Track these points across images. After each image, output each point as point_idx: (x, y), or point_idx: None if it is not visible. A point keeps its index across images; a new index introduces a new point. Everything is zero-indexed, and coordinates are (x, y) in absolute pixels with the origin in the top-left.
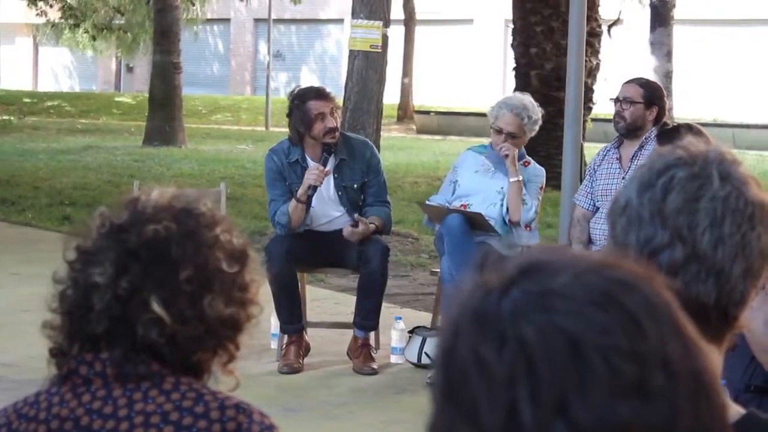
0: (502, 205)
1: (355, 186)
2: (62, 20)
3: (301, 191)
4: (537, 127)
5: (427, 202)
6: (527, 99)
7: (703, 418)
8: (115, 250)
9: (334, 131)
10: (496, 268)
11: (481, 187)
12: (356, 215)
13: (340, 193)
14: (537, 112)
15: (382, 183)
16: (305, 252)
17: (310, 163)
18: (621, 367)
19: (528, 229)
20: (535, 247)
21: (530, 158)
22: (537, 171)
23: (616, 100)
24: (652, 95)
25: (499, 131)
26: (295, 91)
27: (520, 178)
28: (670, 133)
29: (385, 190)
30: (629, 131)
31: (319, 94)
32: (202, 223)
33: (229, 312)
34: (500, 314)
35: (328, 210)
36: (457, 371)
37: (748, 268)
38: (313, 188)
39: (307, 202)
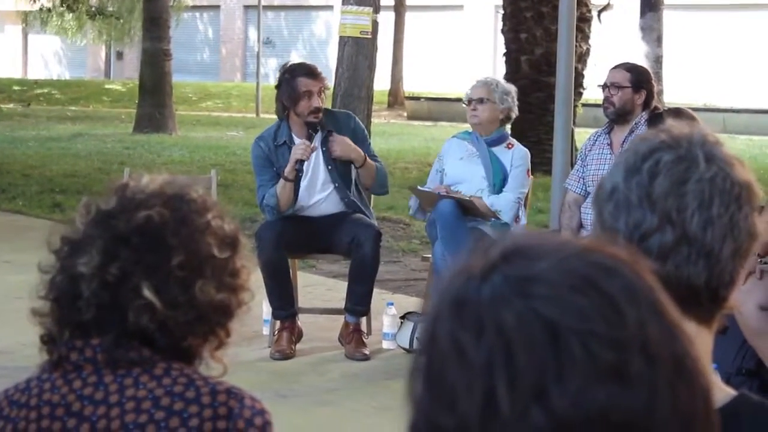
0: (489, 190)
1: (344, 159)
2: (58, 6)
3: (288, 168)
4: (510, 100)
5: (418, 188)
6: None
7: (684, 402)
8: (103, 238)
9: (319, 111)
10: (480, 253)
11: (468, 173)
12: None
13: (329, 167)
14: (508, 88)
15: (369, 147)
16: (296, 237)
17: (297, 141)
18: (599, 353)
19: (517, 221)
20: (520, 231)
21: (514, 140)
22: (521, 154)
23: (604, 86)
24: (639, 79)
25: (470, 101)
26: (287, 66)
27: (469, 197)
28: (661, 118)
29: (374, 153)
30: (619, 116)
31: (309, 71)
32: (194, 209)
33: (220, 298)
34: (480, 300)
35: (322, 186)
36: (437, 357)
37: (737, 249)
38: (300, 163)
39: (295, 182)
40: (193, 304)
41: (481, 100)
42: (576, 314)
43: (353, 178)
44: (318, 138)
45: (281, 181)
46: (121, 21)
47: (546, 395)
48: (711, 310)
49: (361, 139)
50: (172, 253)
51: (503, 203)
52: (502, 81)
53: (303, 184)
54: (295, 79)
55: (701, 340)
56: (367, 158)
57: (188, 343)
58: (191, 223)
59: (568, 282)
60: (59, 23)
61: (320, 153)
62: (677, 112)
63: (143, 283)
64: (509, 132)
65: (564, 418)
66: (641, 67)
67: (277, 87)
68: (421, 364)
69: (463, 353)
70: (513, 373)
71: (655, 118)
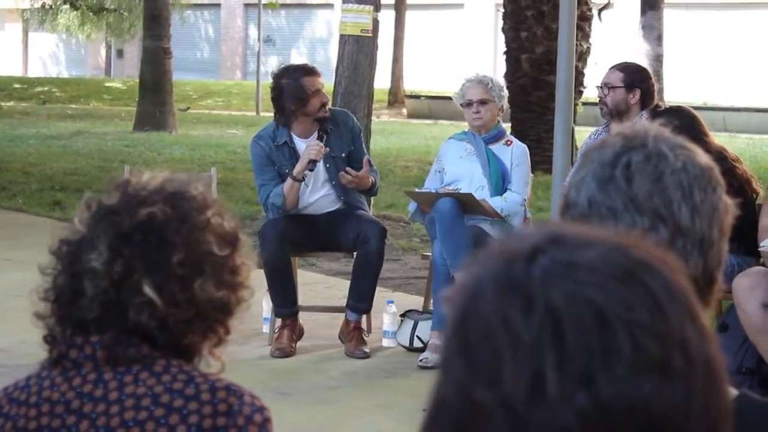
0: (489, 187)
1: (343, 155)
2: (59, 3)
3: (298, 168)
4: (504, 96)
5: (416, 190)
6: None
7: (713, 404)
8: (109, 234)
9: (325, 106)
10: (518, 239)
11: (468, 171)
12: (341, 173)
13: (328, 165)
14: (497, 80)
15: (364, 148)
16: (299, 235)
17: (298, 143)
18: (645, 344)
19: (527, 221)
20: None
21: (512, 137)
22: (520, 151)
23: (600, 87)
24: (632, 78)
25: (469, 104)
26: (281, 70)
27: (480, 200)
28: (660, 116)
29: (368, 155)
30: (613, 116)
31: (310, 71)
32: (194, 206)
33: (219, 295)
34: (529, 280)
35: (317, 185)
36: (479, 334)
37: (721, 228)
38: (314, 163)
39: (303, 180)
40: (193, 301)
41: (483, 102)
42: (622, 303)
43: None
44: (323, 137)
45: (289, 180)
46: (125, 14)
47: (593, 381)
48: (706, 294)
49: (357, 137)
50: (173, 250)
51: (512, 207)
52: (490, 76)
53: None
54: (298, 80)
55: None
56: (370, 178)
57: (188, 340)
58: (191, 220)
59: (614, 272)
60: (60, 20)
61: None
62: (677, 111)
63: (144, 281)
64: (506, 129)
65: (608, 405)
66: (636, 66)
67: (274, 95)
68: (457, 342)
69: (511, 330)
70: (562, 355)
71: (656, 116)
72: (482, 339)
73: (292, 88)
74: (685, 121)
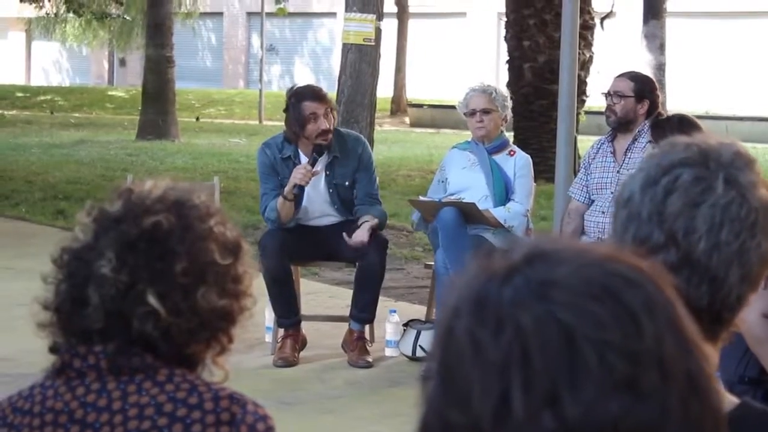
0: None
1: (347, 183)
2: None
3: (287, 189)
4: (508, 106)
5: (420, 198)
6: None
7: (695, 419)
8: (115, 243)
9: (327, 133)
10: (503, 255)
11: (471, 181)
12: (345, 236)
13: (331, 190)
14: (503, 91)
15: (373, 179)
16: (300, 246)
17: (303, 159)
18: (614, 363)
19: (529, 233)
20: (544, 235)
21: (515, 147)
22: (523, 162)
23: (607, 94)
24: (642, 89)
25: (473, 113)
26: (292, 89)
27: (503, 220)
28: (662, 124)
29: (375, 186)
30: (620, 125)
31: (314, 94)
32: (196, 215)
33: (222, 304)
34: (500, 300)
35: (321, 206)
36: (453, 353)
37: (746, 275)
38: (300, 187)
39: (296, 200)
40: (196, 310)
41: (486, 111)
42: (593, 322)
43: (352, 199)
44: (321, 162)
45: (280, 198)
46: (129, 20)
47: (559, 401)
48: (714, 330)
49: (365, 166)
50: (176, 259)
51: (515, 218)
52: (494, 86)
53: (306, 200)
54: (300, 103)
55: (710, 358)
56: (373, 223)
57: (191, 349)
58: (194, 229)
59: (587, 290)
60: (64, 29)
61: (323, 176)
62: (681, 119)
63: (148, 290)
64: (509, 138)
65: (575, 426)
66: (645, 76)
67: (286, 111)
68: (436, 360)
69: (480, 351)
70: (528, 376)
71: (658, 124)
72: (456, 360)
73: (295, 109)
74: (686, 131)
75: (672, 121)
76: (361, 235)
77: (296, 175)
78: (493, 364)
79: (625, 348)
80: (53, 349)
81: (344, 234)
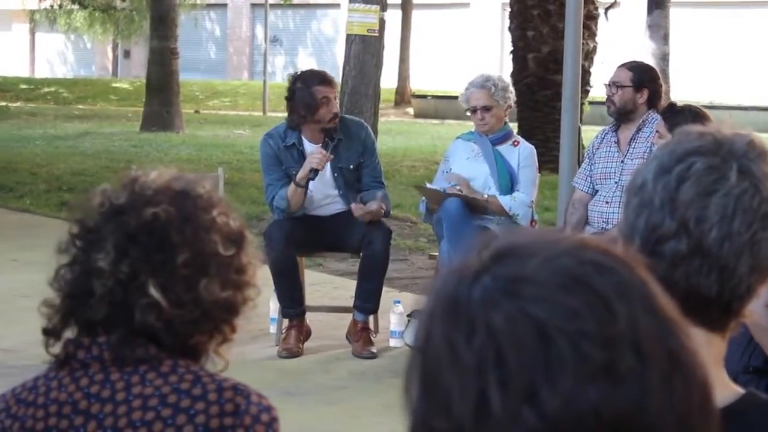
0: (497, 188)
1: (351, 167)
2: (67, 4)
3: (301, 174)
4: (510, 97)
5: (426, 185)
6: (489, 73)
7: (680, 396)
8: (115, 234)
9: (336, 117)
10: (475, 253)
11: (475, 172)
12: (353, 204)
13: (335, 174)
14: (504, 81)
15: (377, 164)
16: (305, 236)
17: (307, 146)
18: (588, 352)
19: (533, 224)
20: (516, 229)
21: (519, 137)
22: (527, 152)
23: (607, 85)
24: (641, 78)
25: (474, 110)
26: (297, 74)
27: (486, 196)
28: (676, 115)
29: (380, 171)
30: (620, 115)
31: (324, 79)
32: (200, 206)
33: (225, 296)
34: (470, 302)
35: (325, 190)
36: (431, 358)
37: (756, 265)
38: (314, 172)
39: (306, 186)
40: (198, 302)
41: (487, 108)
42: (565, 314)
43: (356, 183)
44: (329, 145)
45: (292, 185)
46: (133, 12)
47: (537, 396)
48: (723, 320)
49: (370, 151)
50: (177, 251)
51: (519, 206)
52: (495, 76)
53: (311, 186)
54: (310, 88)
55: (713, 346)
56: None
57: (194, 340)
58: (196, 220)
59: (558, 281)
60: (68, 21)
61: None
62: (696, 114)
63: (150, 282)
64: (513, 129)
65: (556, 418)
66: (645, 65)
67: (289, 98)
68: (416, 365)
69: (455, 354)
70: (504, 375)
71: (670, 114)
72: (434, 365)
73: (303, 94)
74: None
75: (683, 112)
76: (371, 204)
77: (312, 160)
78: (469, 366)
79: (599, 335)
80: (47, 332)
81: (353, 205)
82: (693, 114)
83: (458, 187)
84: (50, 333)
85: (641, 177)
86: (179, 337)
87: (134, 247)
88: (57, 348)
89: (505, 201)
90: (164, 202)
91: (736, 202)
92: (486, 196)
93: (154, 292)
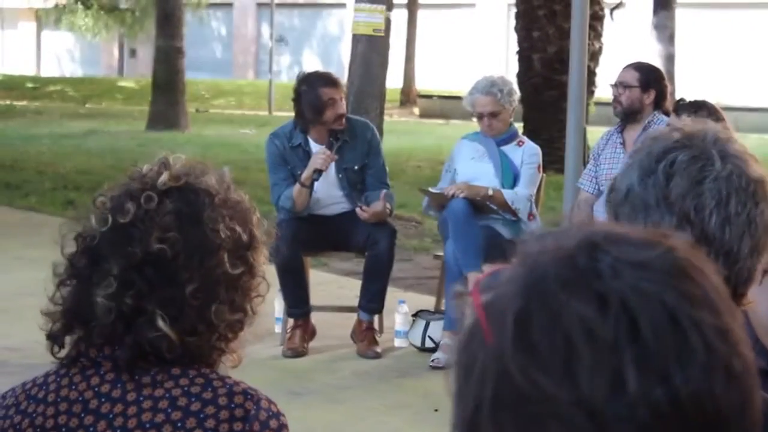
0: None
1: (356, 167)
2: (72, 2)
3: (305, 175)
4: (515, 98)
5: (430, 189)
6: (494, 76)
7: (757, 404)
8: (119, 264)
9: (343, 117)
10: (562, 236)
11: (480, 172)
12: (358, 209)
13: (340, 175)
14: (508, 83)
15: (382, 165)
16: (311, 236)
17: (313, 146)
18: (714, 343)
19: (531, 218)
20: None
21: (524, 137)
22: (532, 151)
23: (613, 85)
24: (648, 78)
25: (480, 116)
26: (303, 76)
27: (491, 192)
28: (690, 107)
29: (385, 172)
30: (627, 115)
31: (329, 80)
32: (209, 227)
33: (235, 317)
34: (599, 275)
35: (330, 191)
36: (542, 328)
37: (755, 246)
38: (318, 172)
39: (311, 187)
40: (210, 326)
41: (494, 114)
42: (690, 302)
43: (360, 184)
44: (333, 145)
45: (297, 185)
46: (136, 14)
47: (670, 379)
48: None
49: (375, 152)
50: (186, 283)
51: (520, 200)
52: (499, 79)
53: (316, 186)
54: (316, 89)
55: None
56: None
57: (204, 354)
58: (204, 245)
59: (674, 272)
60: (74, 20)
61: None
62: (699, 105)
63: (157, 315)
64: (518, 129)
65: (684, 402)
66: (652, 66)
67: (295, 99)
68: (517, 334)
69: (587, 328)
70: (640, 353)
71: (684, 107)
72: (548, 336)
73: (309, 96)
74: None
75: (696, 105)
76: (376, 205)
77: (316, 161)
78: (604, 341)
79: (719, 328)
80: (50, 337)
81: (358, 207)
82: (698, 107)
83: (462, 195)
84: (53, 337)
85: (624, 185)
86: (189, 354)
87: (140, 278)
88: (62, 353)
89: (508, 194)
90: (173, 229)
91: (727, 184)
92: (490, 190)
93: (163, 325)
